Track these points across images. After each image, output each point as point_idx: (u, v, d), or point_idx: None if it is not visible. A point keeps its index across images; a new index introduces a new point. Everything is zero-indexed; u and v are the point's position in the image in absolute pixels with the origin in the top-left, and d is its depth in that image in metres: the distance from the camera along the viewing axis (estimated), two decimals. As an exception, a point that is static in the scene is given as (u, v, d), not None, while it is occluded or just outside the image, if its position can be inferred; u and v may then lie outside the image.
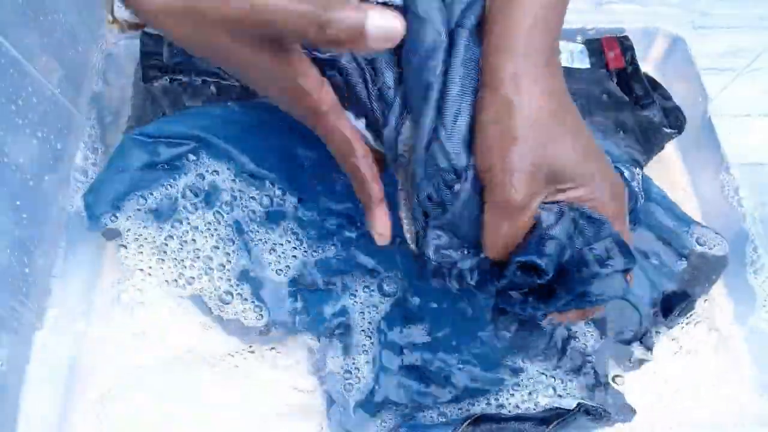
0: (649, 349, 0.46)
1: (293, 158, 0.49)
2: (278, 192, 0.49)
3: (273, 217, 0.48)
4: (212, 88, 0.53)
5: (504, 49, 0.33)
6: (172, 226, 0.48)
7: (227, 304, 0.46)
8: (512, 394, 0.44)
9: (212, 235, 0.48)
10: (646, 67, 0.62)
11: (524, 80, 0.32)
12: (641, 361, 0.47)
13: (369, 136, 0.37)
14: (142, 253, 0.47)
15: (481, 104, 0.33)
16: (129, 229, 0.47)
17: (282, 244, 0.48)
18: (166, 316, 0.47)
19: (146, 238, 0.47)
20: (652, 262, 0.49)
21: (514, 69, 0.32)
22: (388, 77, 0.35)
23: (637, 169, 0.53)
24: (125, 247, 0.47)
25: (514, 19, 0.33)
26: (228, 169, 0.49)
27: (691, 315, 0.48)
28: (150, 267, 0.47)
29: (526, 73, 0.32)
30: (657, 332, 0.47)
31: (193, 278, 0.47)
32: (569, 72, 0.57)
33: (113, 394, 0.44)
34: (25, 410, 0.43)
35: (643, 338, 0.46)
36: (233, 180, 0.49)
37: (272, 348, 0.46)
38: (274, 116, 0.51)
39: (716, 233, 0.50)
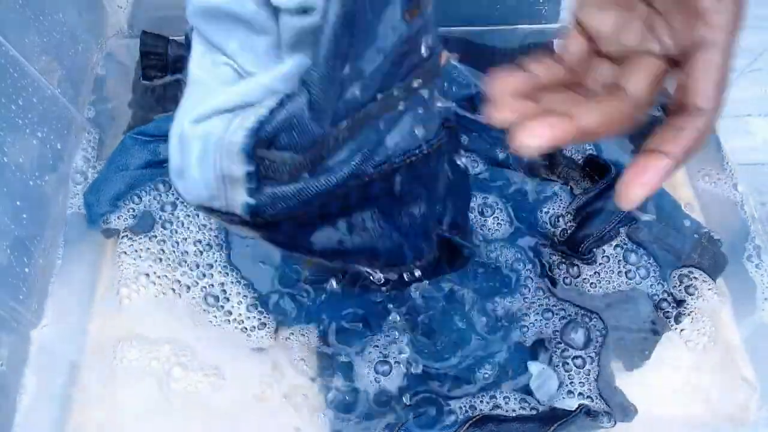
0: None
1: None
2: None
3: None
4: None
5: None
6: (173, 224, 0.48)
7: (227, 304, 0.46)
8: (513, 394, 0.44)
9: (212, 234, 0.48)
10: (647, 67, 0.62)
11: None
12: (645, 357, 0.47)
13: None
14: (140, 252, 0.47)
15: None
16: (127, 229, 0.47)
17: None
18: (165, 316, 0.47)
19: (146, 238, 0.47)
20: (651, 260, 0.49)
21: None
22: None
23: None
24: (125, 253, 0.47)
25: None
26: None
27: (690, 314, 0.48)
28: (151, 267, 0.47)
29: None
30: (657, 335, 0.47)
31: (197, 282, 0.47)
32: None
33: (112, 393, 0.44)
34: (24, 409, 0.43)
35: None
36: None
37: (271, 346, 0.46)
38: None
39: (715, 233, 0.50)
